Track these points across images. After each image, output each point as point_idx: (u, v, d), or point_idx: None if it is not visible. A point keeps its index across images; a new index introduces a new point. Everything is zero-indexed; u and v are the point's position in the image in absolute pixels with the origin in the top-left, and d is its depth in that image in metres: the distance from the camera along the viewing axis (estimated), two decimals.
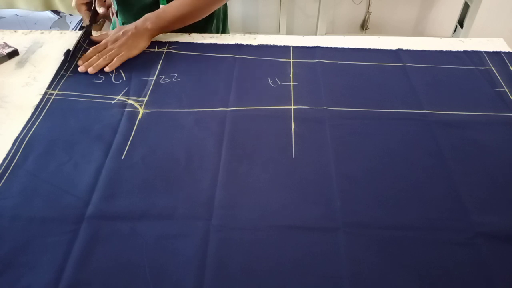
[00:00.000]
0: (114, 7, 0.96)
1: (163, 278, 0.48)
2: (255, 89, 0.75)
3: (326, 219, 0.54)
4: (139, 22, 0.84)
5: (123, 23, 0.96)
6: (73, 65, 0.79)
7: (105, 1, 0.91)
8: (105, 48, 0.81)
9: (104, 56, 0.79)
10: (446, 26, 2.24)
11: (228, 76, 0.78)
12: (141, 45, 0.83)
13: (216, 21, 1.00)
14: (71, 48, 0.81)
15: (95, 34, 0.88)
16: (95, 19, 0.88)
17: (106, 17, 0.91)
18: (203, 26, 0.96)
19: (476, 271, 0.49)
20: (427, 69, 0.80)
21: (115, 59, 0.79)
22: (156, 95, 0.73)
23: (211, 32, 1.00)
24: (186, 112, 0.70)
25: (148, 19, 0.84)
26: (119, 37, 0.81)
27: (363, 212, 0.55)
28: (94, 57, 0.79)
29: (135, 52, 0.81)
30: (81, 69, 0.78)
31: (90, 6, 0.91)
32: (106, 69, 0.78)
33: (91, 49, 0.81)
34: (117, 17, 0.97)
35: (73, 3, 0.92)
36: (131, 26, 0.83)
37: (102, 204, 0.55)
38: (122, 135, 0.65)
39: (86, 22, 0.90)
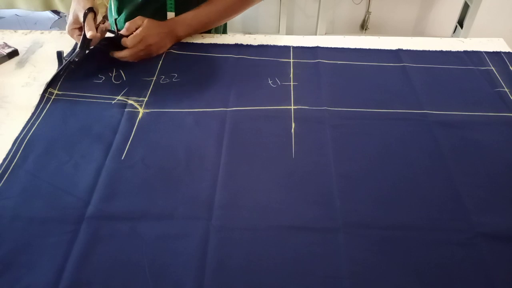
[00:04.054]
0: (111, 17, 0.93)
1: (163, 278, 0.48)
2: (255, 89, 0.75)
3: (326, 219, 0.54)
4: (170, 28, 0.84)
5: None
6: (72, 66, 0.79)
7: (99, 23, 0.84)
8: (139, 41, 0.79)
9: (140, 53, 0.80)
10: (446, 26, 2.24)
11: (228, 76, 0.78)
12: (164, 50, 0.84)
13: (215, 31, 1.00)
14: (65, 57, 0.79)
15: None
16: (87, 45, 0.83)
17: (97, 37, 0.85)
18: None
19: (476, 271, 0.49)
20: (427, 69, 0.80)
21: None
22: (156, 95, 0.73)
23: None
24: (186, 112, 0.70)
25: (179, 24, 0.85)
26: (150, 44, 0.80)
27: (362, 212, 0.55)
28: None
29: (155, 54, 0.83)
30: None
31: (82, 31, 0.81)
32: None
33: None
34: (117, 28, 0.94)
35: (66, 29, 0.88)
36: (162, 33, 0.82)
37: (102, 204, 0.55)
38: (122, 135, 0.65)
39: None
